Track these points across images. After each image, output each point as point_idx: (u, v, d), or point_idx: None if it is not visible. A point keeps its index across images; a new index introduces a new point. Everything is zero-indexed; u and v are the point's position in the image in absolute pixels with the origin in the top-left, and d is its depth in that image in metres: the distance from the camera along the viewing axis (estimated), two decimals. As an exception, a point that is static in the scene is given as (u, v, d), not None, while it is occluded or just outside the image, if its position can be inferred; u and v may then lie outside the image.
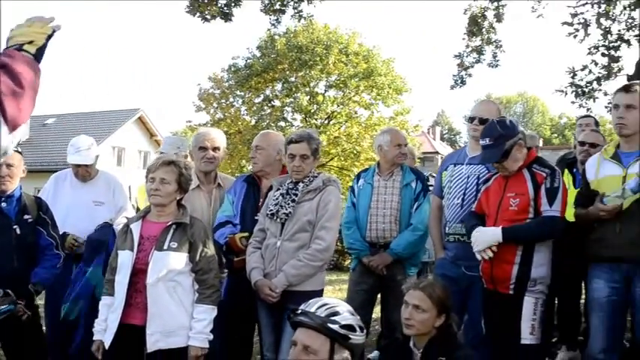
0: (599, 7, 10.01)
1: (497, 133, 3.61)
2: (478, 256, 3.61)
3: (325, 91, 28.11)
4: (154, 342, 3.28)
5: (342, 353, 2.45)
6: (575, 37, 10.35)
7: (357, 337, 2.51)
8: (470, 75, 12.38)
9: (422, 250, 4.49)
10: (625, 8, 9.85)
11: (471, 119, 4.26)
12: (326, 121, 27.69)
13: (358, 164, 25.02)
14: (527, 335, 3.57)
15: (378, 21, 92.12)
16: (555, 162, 4.93)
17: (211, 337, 3.40)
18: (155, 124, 32.27)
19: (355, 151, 26.09)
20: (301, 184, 3.86)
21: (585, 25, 10.26)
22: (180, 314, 3.35)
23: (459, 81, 12.41)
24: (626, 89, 3.56)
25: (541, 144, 37.21)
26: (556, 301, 4.94)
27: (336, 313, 2.49)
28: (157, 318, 3.29)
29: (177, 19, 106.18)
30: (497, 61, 12.44)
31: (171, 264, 3.33)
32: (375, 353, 4.85)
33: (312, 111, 27.73)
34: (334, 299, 2.73)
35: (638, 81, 4.02)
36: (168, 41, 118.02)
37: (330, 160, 26.44)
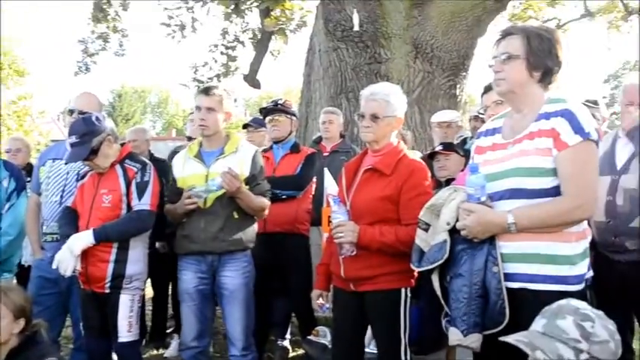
0: (193, 12, 10.74)
1: (84, 131, 3.53)
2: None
3: None
4: None
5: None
6: (173, 37, 11.01)
7: None
8: (95, 62, 12.10)
9: (16, 255, 4.11)
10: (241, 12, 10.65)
11: (70, 112, 4.05)
12: None
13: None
14: (125, 333, 3.58)
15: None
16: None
17: None
18: None
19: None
20: None
21: (181, 27, 10.97)
22: None
23: (84, 68, 12.04)
24: (206, 92, 3.75)
25: (174, 134, 38.17)
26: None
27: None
28: None
29: None
30: (124, 50, 12.35)
31: None
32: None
33: None
34: None
35: (217, 84, 4.29)
36: None
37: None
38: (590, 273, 2.47)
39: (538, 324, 1.95)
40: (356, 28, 7.01)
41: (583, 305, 1.97)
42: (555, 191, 2.31)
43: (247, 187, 3.63)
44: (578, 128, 2.28)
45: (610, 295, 3.48)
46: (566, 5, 14.97)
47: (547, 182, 2.32)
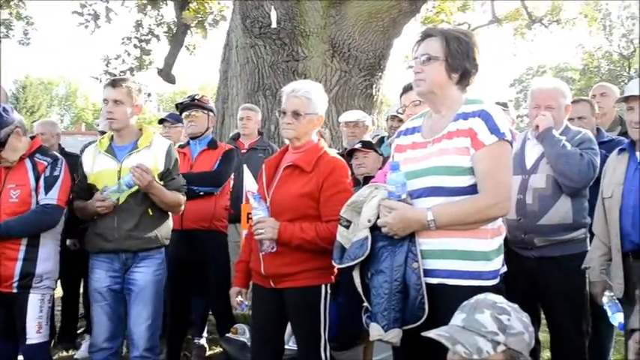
0: (107, 2, 10.43)
1: (-10, 122, 3.33)
2: None
3: None
4: None
5: None
6: (86, 27, 10.64)
7: None
8: (-2, 49, 11.50)
9: None
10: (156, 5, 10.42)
11: (-29, 103, 3.82)
12: None
13: None
14: (34, 334, 3.44)
15: None
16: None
17: None
18: None
19: None
20: None
21: (95, 16, 10.62)
22: None
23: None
24: (113, 84, 3.61)
25: (84, 128, 36.87)
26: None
27: None
28: None
29: None
30: (29, 39, 11.81)
31: None
32: None
33: None
34: None
35: (127, 77, 4.18)
36: None
37: None
38: (504, 268, 2.57)
39: (458, 318, 2.01)
40: (274, 25, 7.01)
41: (500, 299, 2.04)
42: (473, 189, 2.38)
43: (162, 182, 3.55)
44: (494, 129, 2.36)
45: (519, 289, 3.65)
46: (476, 11, 15.56)
47: (465, 180, 2.38)
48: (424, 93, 2.54)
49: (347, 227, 2.59)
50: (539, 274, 3.54)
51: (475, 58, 2.51)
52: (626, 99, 3.23)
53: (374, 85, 7.36)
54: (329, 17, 7.14)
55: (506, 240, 3.61)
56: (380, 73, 7.41)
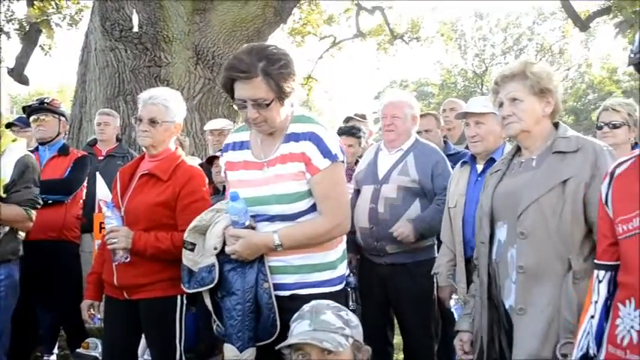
0: None
1: None
2: None
3: None
4: None
5: None
6: None
7: None
8: None
9: None
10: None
11: None
12: None
13: None
14: None
15: None
16: None
17: None
18: None
19: None
20: None
21: None
22: None
23: None
24: None
25: None
26: None
27: None
28: None
29: None
30: None
31: None
32: None
33: None
34: None
35: None
36: None
37: None
38: (347, 271, 2.68)
39: (303, 325, 2.10)
40: (135, 29, 6.81)
41: (330, 301, 2.20)
42: (314, 208, 2.45)
43: (4, 194, 3.28)
44: (325, 152, 2.40)
45: (373, 295, 3.81)
46: (342, 25, 16.05)
47: (305, 204, 2.44)
48: None
49: (192, 250, 2.58)
50: (391, 280, 3.71)
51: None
52: (465, 115, 3.46)
53: (239, 94, 7.34)
54: (193, 24, 7.06)
55: (360, 248, 3.79)
56: (245, 83, 7.41)
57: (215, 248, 2.46)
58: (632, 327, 1.59)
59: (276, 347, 2.17)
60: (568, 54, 33.94)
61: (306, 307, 2.15)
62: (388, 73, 40.28)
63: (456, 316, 3.29)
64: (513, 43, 35.53)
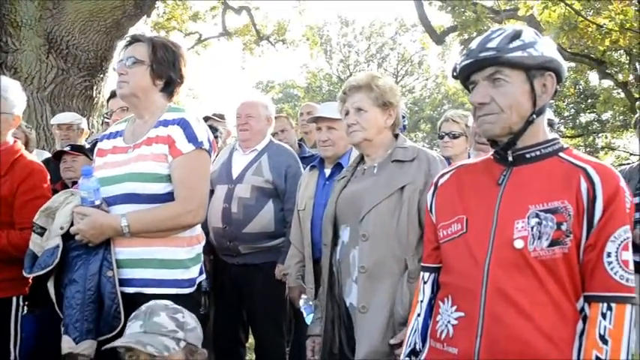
0: None
1: None
2: None
3: None
4: None
5: None
6: None
7: None
8: None
9: None
10: None
11: None
12: None
13: None
14: None
15: None
16: None
17: None
18: None
19: None
20: None
21: None
22: None
23: None
24: None
25: None
26: None
27: None
28: None
29: None
30: None
31: None
32: None
33: None
34: None
35: None
36: None
37: None
38: (203, 276, 2.66)
39: (135, 325, 2.07)
40: (-21, 10, 6.32)
41: (169, 302, 2.17)
42: (169, 196, 2.42)
43: None
44: (191, 137, 2.42)
45: (226, 296, 3.82)
46: (208, 22, 15.87)
47: (161, 188, 2.41)
48: (126, 95, 2.53)
49: (41, 235, 2.46)
50: (244, 281, 3.73)
51: (181, 69, 2.57)
52: (316, 120, 3.56)
53: (94, 87, 7.03)
54: (45, 10, 6.65)
55: (213, 248, 3.78)
56: (102, 75, 7.11)
57: (62, 228, 2.37)
58: (449, 322, 1.73)
59: (103, 347, 2.13)
60: (427, 65, 35.80)
61: (143, 307, 2.12)
62: (255, 74, 40.25)
63: (305, 315, 3.39)
64: (376, 52, 36.87)
